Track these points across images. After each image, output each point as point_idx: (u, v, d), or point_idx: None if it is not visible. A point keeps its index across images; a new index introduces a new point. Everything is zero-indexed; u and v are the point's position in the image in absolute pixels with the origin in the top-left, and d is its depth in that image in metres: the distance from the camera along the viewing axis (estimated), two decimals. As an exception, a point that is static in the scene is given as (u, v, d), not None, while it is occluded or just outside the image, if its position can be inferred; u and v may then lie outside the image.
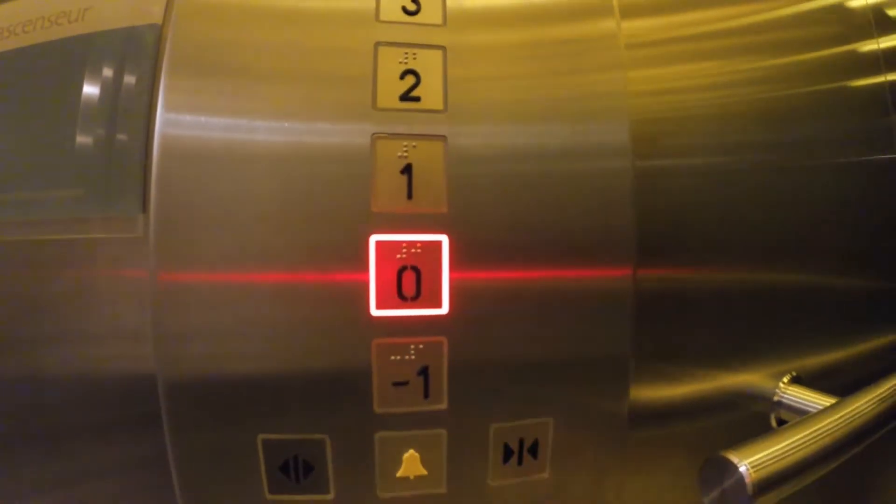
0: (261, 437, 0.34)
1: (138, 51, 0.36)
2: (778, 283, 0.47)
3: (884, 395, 0.46)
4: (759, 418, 0.47)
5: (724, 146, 0.46)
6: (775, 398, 0.48)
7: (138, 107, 0.35)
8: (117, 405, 0.37)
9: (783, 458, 0.38)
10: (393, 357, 0.34)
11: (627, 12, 0.43)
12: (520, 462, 0.37)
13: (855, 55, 0.54)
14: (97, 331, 0.36)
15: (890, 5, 0.59)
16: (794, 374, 0.49)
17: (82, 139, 0.36)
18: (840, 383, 0.47)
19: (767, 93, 0.48)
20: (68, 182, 0.36)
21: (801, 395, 0.47)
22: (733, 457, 0.36)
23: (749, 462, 0.36)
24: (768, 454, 0.37)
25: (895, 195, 0.54)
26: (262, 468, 0.35)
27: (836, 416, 0.43)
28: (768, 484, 0.36)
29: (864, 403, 0.45)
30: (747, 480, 0.35)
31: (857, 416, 0.44)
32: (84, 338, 0.36)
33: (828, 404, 0.45)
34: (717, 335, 0.46)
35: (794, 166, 0.49)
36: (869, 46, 0.55)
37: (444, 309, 0.34)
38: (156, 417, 0.35)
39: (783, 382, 0.48)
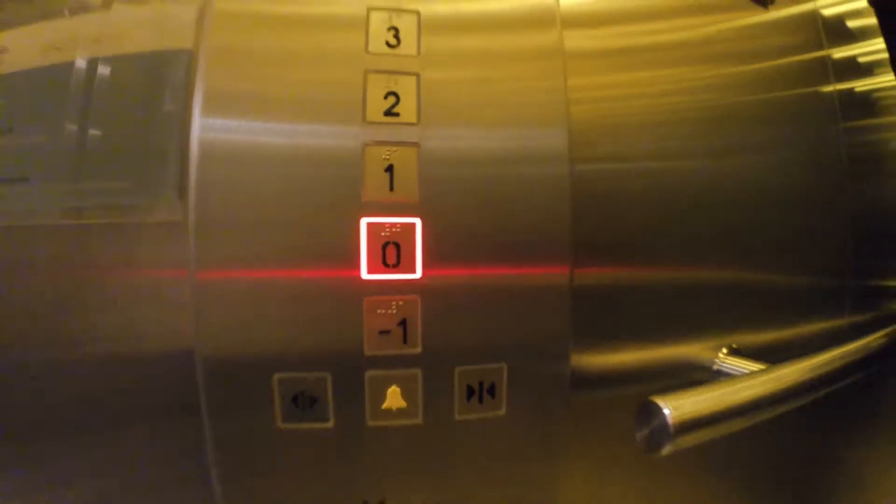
0: (276, 376, 0.41)
1: (173, 70, 0.41)
2: (714, 277, 0.51)
3: (814, 365, 0.49)
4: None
5: (663, 151, 0.48)
6: (714, 367, 0.51)
7: (175, 116, 0.40)
8: (153, 390, 0.41)
9: (703, 405, 0.42)
10: (379, 311, 0.41)
11: (570, 23, 0.46)
12: (480, 400, 0.43)
13: (804, 65, 0.57)
14: (137, 321, 0.40)
15: (840, 17, 0.61)
16: (733, 346, 0.52)
17: (126, 142, 0.40)
18: (781, 359, 0.48)
19: (711, 101, 0.51)
20: (111, 177, 0.40)
21: (738, 364, 0.50)
22: (659, 401, 0.40)
23: (672, 405, 0.40)
24: (690, 401, 0.42)
25: (835, 198, 0.56)
26: (277, 402, 0.42)
27: (762, 378, 0.46)
28: (688, 426, 0.40)
29: (792, 371, 0.48)
30: (669, 421, 0.39)
31: (781, 378, 0.47)
32: (124, 325, 0.40)
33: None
34: (655, 321, 0.49)
35: (735, 169, 0.51)
36: (818, 57, 0.58)
37: (418, 274, 0.41)
38: (192, 399, 0.39)
39: (722, 353, 0.51)
